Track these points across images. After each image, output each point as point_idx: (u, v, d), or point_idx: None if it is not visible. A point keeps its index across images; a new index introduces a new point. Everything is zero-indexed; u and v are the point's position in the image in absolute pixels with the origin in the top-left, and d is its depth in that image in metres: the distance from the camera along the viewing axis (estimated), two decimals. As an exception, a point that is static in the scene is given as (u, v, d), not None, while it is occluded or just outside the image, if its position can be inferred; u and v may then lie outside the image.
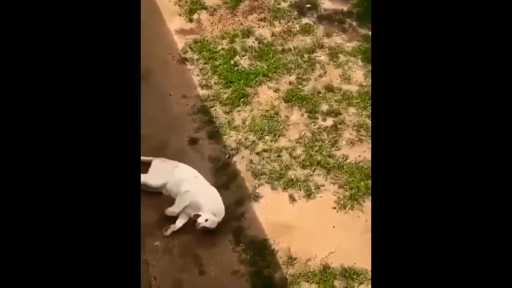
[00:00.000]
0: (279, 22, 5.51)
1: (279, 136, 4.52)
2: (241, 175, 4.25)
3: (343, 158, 4.36)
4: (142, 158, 4.21)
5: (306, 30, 5.43)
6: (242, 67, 5.06)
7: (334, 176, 4.25)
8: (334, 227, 3.97)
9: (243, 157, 4.38)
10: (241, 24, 5.48)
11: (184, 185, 3.99)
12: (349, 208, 4.05)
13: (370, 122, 4.56)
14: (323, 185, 4.20)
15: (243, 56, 5.17)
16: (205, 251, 3.82)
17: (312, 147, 4.43)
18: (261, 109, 4.72)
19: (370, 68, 4.96)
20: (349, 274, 3.70)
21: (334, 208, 4.08)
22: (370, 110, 4.63)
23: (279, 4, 5.69)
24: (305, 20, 5.55)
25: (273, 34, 5.38)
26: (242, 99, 4.77)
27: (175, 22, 5.49)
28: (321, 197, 4.15)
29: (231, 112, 4.69)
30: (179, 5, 5.63)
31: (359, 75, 4.99)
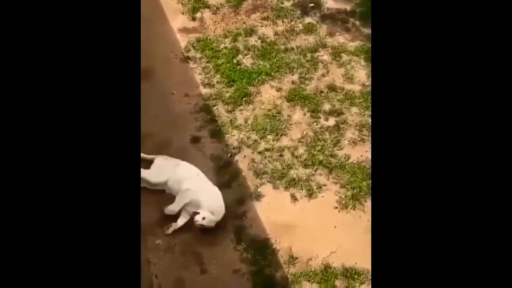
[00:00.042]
0: (282, 21, 5.51)
1: (281, 135, 4.52)
2: (243, 174, 4.25)
3: (345, 157, 4.36)
4: (145, 156, 4.23)
5: (309, 29, 5.42)
6: (245, 66, 5.06)
7: (336, 175, 4.24)
8: (335, 227, 3.97)
9: (245, 156, 4.38)
10: (244, 23, 5.48)
11: (185, 183, 4.00)
12: (350, 208, 4.05)
13: (372, 122, 4.55)
14: (325, 185, 4.20)
15: (245, 55, 5.17)
16: (207, 250, 3.83)
17: (314, 147, 4.43)
18: (264, 108, 4.72)
19: (373, 67, 4.94)
20: (350, 274, 3.70)
21: (336, 208, 4.07)
22: (372, 110, 4.62)
23: (282, 3, 5.69)
24: (308, 19, 5.54)
25: (276, 33, 5.37)
26: (244, 98, 4.77)
27: (178, 20, 5.50)
28: (322, 196, 4.14)
29: (234, 111, 4.69)
30: (182, 4, 5.63)
31: (362, 75, 4.98)
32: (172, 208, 3.95)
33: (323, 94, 4.84)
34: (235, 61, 5.09)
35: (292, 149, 4.42)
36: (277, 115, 4.66)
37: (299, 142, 4.47)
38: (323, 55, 5.19)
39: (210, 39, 5.29)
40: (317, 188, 4.17)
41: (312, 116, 4.66)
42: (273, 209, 4.06)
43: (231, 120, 4.61)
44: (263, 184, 4.20)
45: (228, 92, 4.84)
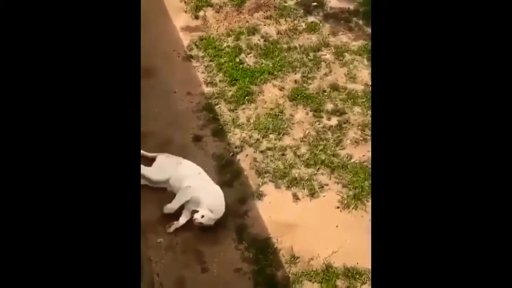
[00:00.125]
0: (285, 20, 5.50)
1: (283, 134, 4.52)
2: (245, 173, 4.25)
3: (347, 157, 4.35)
4: (147, 154, 4.23)
5: (312, 28, 5.41)
6: (247, 65, 5.06)
7: (338, 175, 4.24)
8: (337, 226, 3.96)
9: (247, 155, 4.37)
10: (247, 21, 5.47)
11: (186, 181, 4.00)
12: (352, 208, 4.04)
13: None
14: (327, 184, 4.19)
15: (248, 54, 5.17)
16: (208, 249, 3.83)
17: (316, 146, 4.42)
18: (266, 107, 4.71)
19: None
20: (351, 274, 3.69)
21: (338, 207, 4.07)
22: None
23: (285, 2, 5.68)
24: (311, 19, 5.53)
25: (278, 32, 5.37)
26: (247, 97, 4.77)
27: (180, 19, 5.49)
28: (324, 196, 4.14)
29: (236, 110, 4.69)
30: (185, 2, 5.63)
31: (365, 74, 4.97)
32: (171, 207, 3.95)
33: (325, 94, 4.83)
34: (237, 60, 5.08)
35: (294, 148, 4.41)
36: (280, 114, 4.66)
37: (301, 141, 4.47)
38: (326, 54, 5.18)
39: (212, 37, 5.29)
40: (319, 188, 4.16)
41: (314, 115, 4.66)
42: (274, 209, 4.05)
43: (233, 119, 4.61)
44: (265, 183, 4.20)
45: (230, 91, 4.83)
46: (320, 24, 5.47)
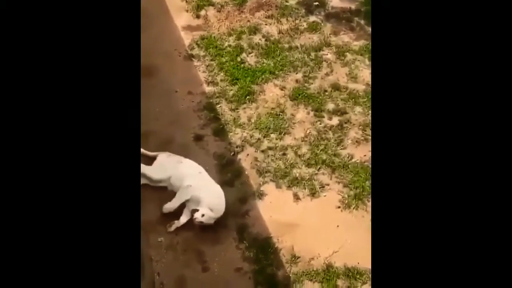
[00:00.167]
0: (287, 19, 5.49)
1: (284, 134, 4.51)
2: (246, 172, 4.25)
3: (348, 157, 4.35)
4: (147, 153, 4.23)
5: (313, 28, 5.41)
6: (249, 64, 5.05)
7: (339, 175, 4.23)
8: (338, 226, 3.96)
9: (248, 154, 4.37)
10: (248, 21, 5.47)
11: (187, 179, 4.00)
12: (353, 208, 4.04)
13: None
14: (327, 184, 4.19)
15: (249, 53, 5.16)
16: (209, 248, 3.83)
17: (317, 146, 4.42)
18: (267, 107, 4.71)
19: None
20: (352, 273, 3.69)
21: (339, 207, 4.07)
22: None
23: (286, 1, 5.67)
24: (312, 18, 5.53)
25: (280, 32, 5.36)
26: (248, 97, 4.76)
27: (182, 18, 5.49)
28: (325, 196, 4.14)
29: (237, 109, 4.69)
30: (186, 1, 5.63)
31: (366, 74, 4.97)
32: (170, 206, 3.94)
33: (327, 93, 4.82)
34: (239, 59, 5.08)
35: (295, 148, 4.41)
36: (281, 114, 4.66)
37: (302, 141, 4.47)
38: (327, 54, 5.17)
39: (214, 37, 5.28)
40: (319, 188, 4.16)
41: (315, 115, 4.65)
42: (275, 208, 4.05)
43: (234, 119, 4.61)
44: (266, 183, 4.19)
45: (231, 90, 4.83)
46: (322, 24, 5.46)
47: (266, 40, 5.28)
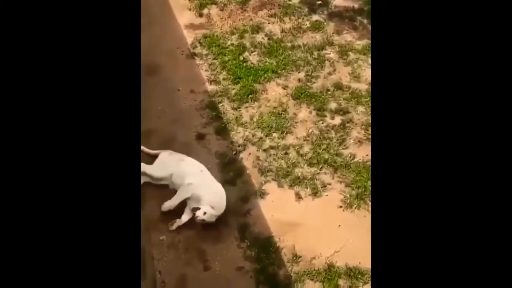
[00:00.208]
0: (289, 18, 5.48)
1: (286, 133, 4.51)
2: (248, 171, 4.25)
3: (350, 157, 4.34)
4: (149, 151, 4.24)
5: (316, 27, 5.40)
6: (251, 63, 5.05)
7: (341, 174, 4.23)
8: (339, 226, 3.95)
9: (250, 153, 4.37)
10: (251, 19, 5.46)
11: (188, 178, 4.00)
12: (355, 208, 4.03)
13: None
14: (329, 184, 4.18)
15: (252, 52, 5.16)
16: (210, 247, 3.83)
17: (319, 145, 4.42)
18: (269, 106, 4.70)
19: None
20: (353, 273, 3.69)
21: (340, 207, 4.06)
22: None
23: (289, 0, 5.66)
24: (315, 17, 5.52)
25: (283, 31, 5.36)
26: (250, 96, 4.76)
27: (185, 16, 5.49)
28: (327, 195, 4.13)
29: (239, 108, 4.68)
30: (189, 0, 5.62)
31: (369, 74, 4.95)
32: (170, 204, 3.93)
33: (329, 93, 4.82)
34: (241, 58, 5.08)
35: (297, 147, 4.41)
36: (283, 113, 4.65)
37: (304, 140, 4.46)
38: (330, 53, 5.16)
39: (216, 35, 5.28)
40: (321, 187, 4.15)
41: (318, 114, 4.65)
42: (277, 207, 4.05)
43: (236, 117, 4.60)
44: (268, 182, 4.19)
45: (234, 89, 4.83)
46: (325, 23, 5.45)
47: (268, 39, 5.27)
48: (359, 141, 4.45)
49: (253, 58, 5.10)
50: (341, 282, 3.67)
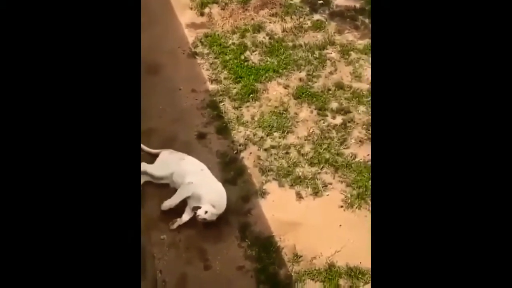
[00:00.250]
0: (291, 18, 5.48)
1: (287, 132, 4.51)
2: (249, 171, 4.25)
3: (351, 156, 4.33)
4: (150, 150, 4.24)
5: (317, 26, 5.39)
6: (252, 62, 5.05)
7: (342, 174, 4.22)
8: (340, 225, 3.95)
9: (251, 153, 4.37)
10: (252, 19, 5.46)
11: (189, 176, 3.99)
12: (356, 207, 4.03)
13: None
14: (330, 183, 4.18)
15: (253, 51, 5.16)
16: (211, 246, 3.83)
17: (320, 145, 4.41)
18: (270, 105, 4.70)
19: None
20: (354, 273, 3.68)
21: (341, 206, 4.06)
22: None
23: (291, -1, 5.66)
24: (316, 17, 5.51)
25: (284, 30, 5.35)
26: (251, 95, 4.76)
27: (186, 16, 5.49)
28: (328, 195, 4.13)
29: (240, 107, 4.68)
30: (191, -1, 5.63)
31: (370, 73, 4.95)
32: (170, 203, 3.93)
33: (330, 92, 4.81)
34: (242, 57, 5.08)
35: (298, 147, 4.41)
36: (284, 112, 4.65)
37: (305, 140, 4.46)
38: (331, 53, 5.16)
39: (218, 35, 5.28)
40: (322, 187, 4.15)
41: (319, 114, 4.65)
42: (278, 207, 4.05)
43: (237, 117, 4.60)
44: (269, 181, 4.19)
45: (235, 88, 4.83)
46: (326, 22, 5.45)
47: (270, 38, 5.27)
48: (360, 141, 4.44)
49: (254, 58, 5.09)
50: (341, 282, 3.67)
